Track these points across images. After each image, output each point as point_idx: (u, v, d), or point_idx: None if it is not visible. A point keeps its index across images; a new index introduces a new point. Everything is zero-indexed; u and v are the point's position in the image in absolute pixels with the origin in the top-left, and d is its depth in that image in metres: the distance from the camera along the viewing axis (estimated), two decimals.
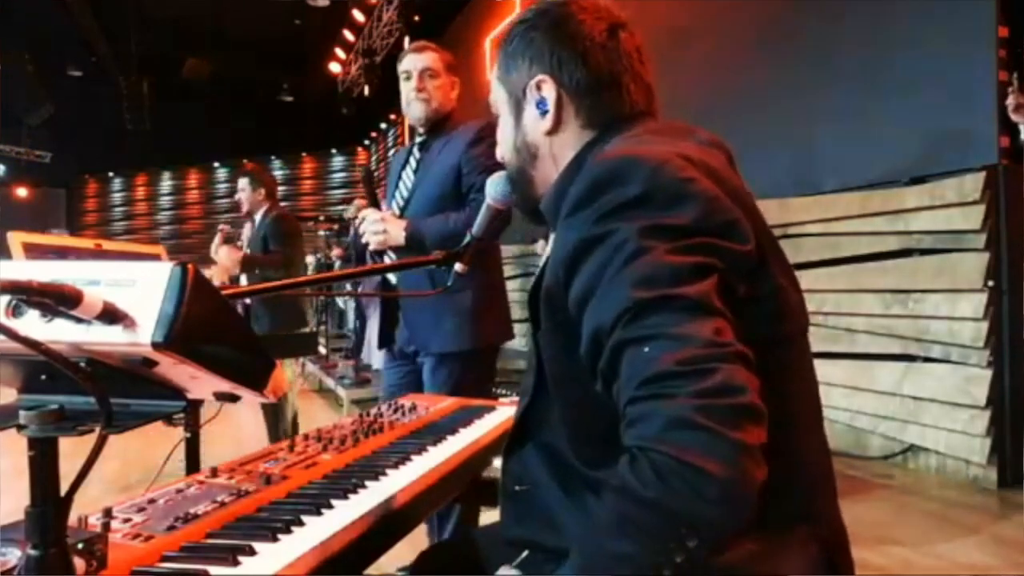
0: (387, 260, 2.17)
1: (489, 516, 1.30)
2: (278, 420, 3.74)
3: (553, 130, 0.94)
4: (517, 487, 0.94)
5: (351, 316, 7.22)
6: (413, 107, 2.20)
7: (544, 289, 0.85)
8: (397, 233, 2.08)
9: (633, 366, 0.66)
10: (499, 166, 2.16)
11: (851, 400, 3.83)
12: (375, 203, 2.21)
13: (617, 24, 0.95)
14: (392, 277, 2.23)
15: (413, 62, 2.20)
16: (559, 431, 0.90)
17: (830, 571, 0.83)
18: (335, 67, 12.23)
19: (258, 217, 3.99)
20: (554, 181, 0.95)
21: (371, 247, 2.13)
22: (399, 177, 2.28)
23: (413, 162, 2.26)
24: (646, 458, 0.61)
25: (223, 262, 3.66)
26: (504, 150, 1.02)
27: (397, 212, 2.21)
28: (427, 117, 2.20)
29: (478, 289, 2.10)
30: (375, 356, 5.46)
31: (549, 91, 0.93)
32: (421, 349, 2.18)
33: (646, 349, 0.65)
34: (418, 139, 2.28)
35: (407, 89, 2.20)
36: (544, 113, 0.94)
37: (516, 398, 1.11)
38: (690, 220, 0.72)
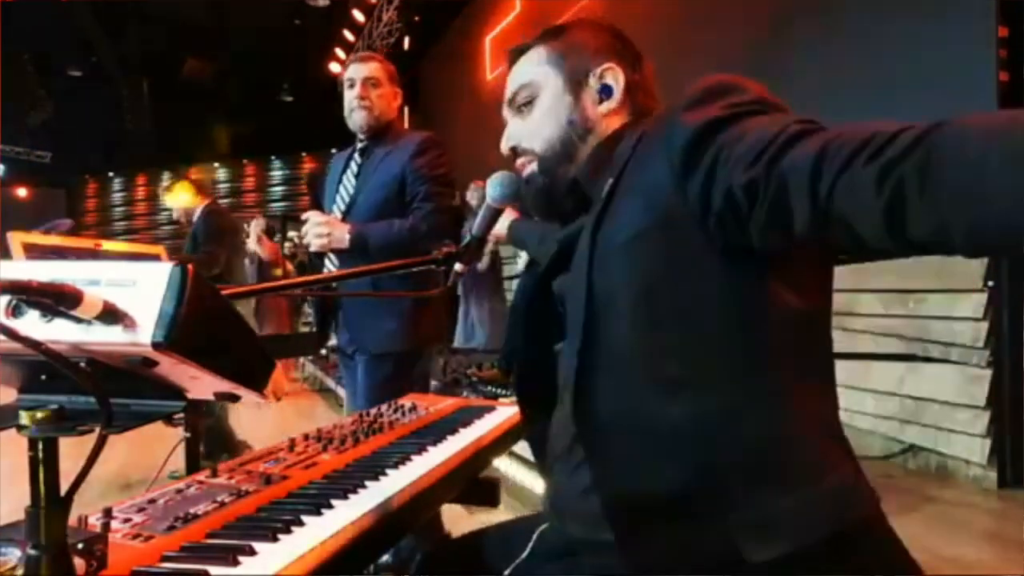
0: (327, 262, 2.25)
1: (489, 516, 1.30)
2: (216, 438, 3.58)
3: (614, 112, 1.02)
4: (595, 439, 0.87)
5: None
6: (355, 115, 2.25)
7: (645, 186, 0.85)
8: (341, 236, 2.13)
9: (835, 136, 0.66)
10: (441, 177, 2.28)
11: (851, 400, 3.83)
12: (319, 207, 2.28)
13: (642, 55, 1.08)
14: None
15: (357, 71, 2.25)
16: (623, 365, 0.85)
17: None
18: (335, 67, 12.23)
19: (195, 217, 3.98)
20: (589, 154, 1.02)
21: (312, 248, 2.18)
22: (339, 182, 2.32)
23: (355, 167, 2.31)
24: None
25: None
26: (545, 130, 1.04)
27: (339, 216, 2.25)
28: (368, 125, 2.25)
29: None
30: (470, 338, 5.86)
31: (617, 78, 1.02)
32: (359, 348, 2.22)
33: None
34: (359, 145, 2.32)
35: (350, 97, 2.26)
36: (608, 97, 1.02)
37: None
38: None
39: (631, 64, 1.04)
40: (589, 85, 1.02)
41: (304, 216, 2.23)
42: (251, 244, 3.99)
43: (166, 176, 16.34)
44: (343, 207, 2.27)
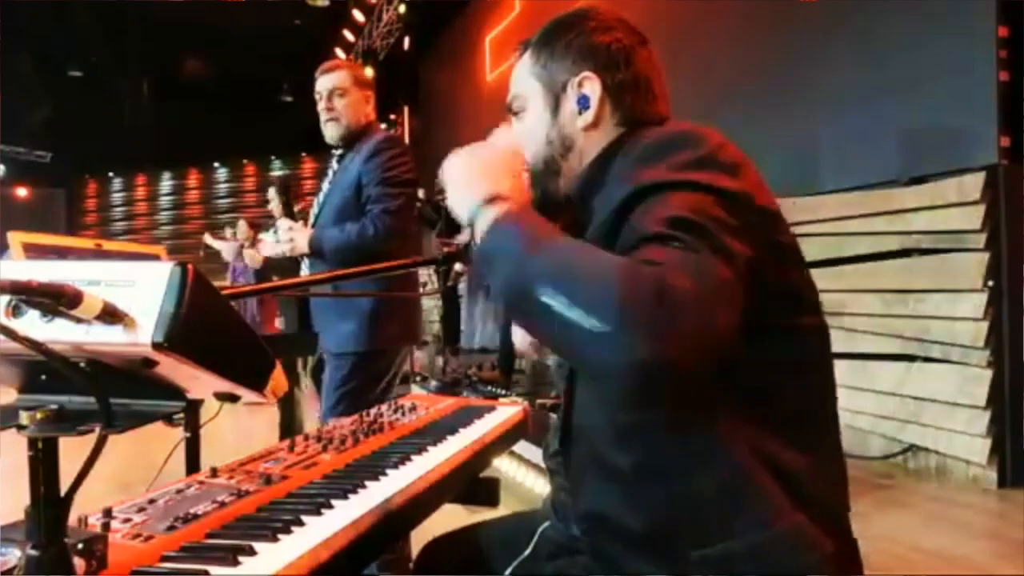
0: (303, 266, 2.36)
1: (489, 516, 1.30)
2: (292, 415, 3.84)
3: (592, 126, 0.98)
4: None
5: None
6: (327, 128, 2.30)
7: (602, 232, 0.86)
8: (302, 242, 2.24)
9: (668, 254, 0.72)
10: (393, 178, 2.35)
11: (851, 400, 3.83)
12: (290, 213, 2.36)
13: (645, 38, 1.02)
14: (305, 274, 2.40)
15: (322, 84, 2.30)
16: (591, 411, 0.93)
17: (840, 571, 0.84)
18: None
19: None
20: (585, 167, 0.99)
21: (285, 254, 2.31)
22: (320, 189, 2.43)
23: (330, 174, 2.39)
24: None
25: (250, 262, 3.94)
26: (531, 145, 1.03)
27: (312, 222, 2.36)
28: (340, 135, 2.30)
29: (377, 293, 2.23)
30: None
31: (593, 88, 0.97)
32: (323, 349, 2.30)
33: (661, 249, 0.72)
34: (337, 152, 2.39)
35: (320, 110, 2.30)
36: (585, 109, 0.98)
37: (516, 398, 1.11)
38: (742, 190, 0.80)
39: (616, 65, 0.98)
40: (567, 97, 0.99)
41: (277, 224, 2.40)
42: (227, 254, 4.24)
43: (166, 175, 16.39)
44: (316, 212, 2.37)
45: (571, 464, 0.97)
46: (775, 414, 0.83)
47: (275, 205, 4.26)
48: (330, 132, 2.30)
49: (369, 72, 2.52)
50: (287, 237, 2.27)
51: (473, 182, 0.88)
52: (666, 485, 0.84)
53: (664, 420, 0.84)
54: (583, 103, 0.98)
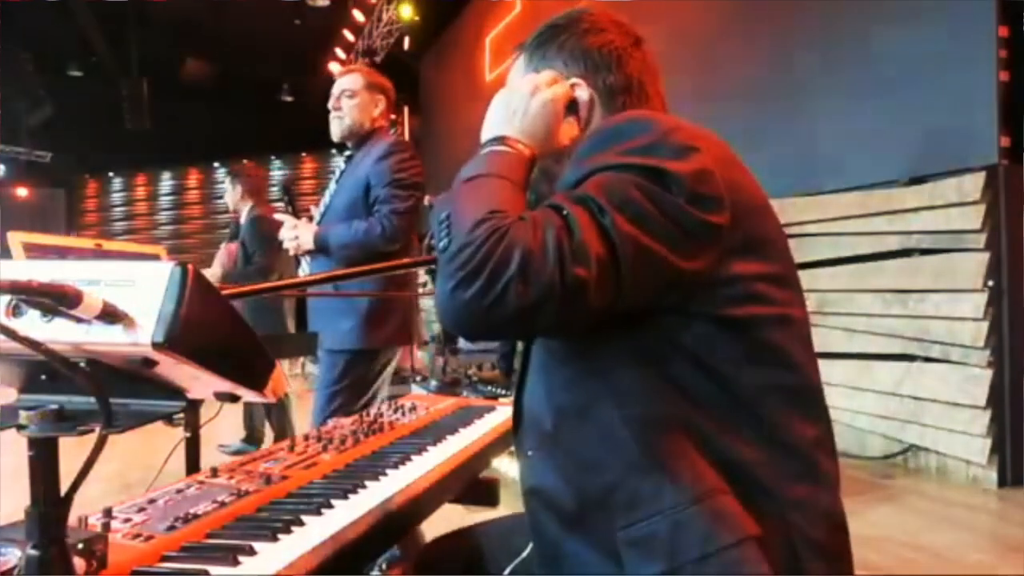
0: (303, 263, 2.39)
1: (489, 516, 1.30)
2: (284, 417, 3.81)
3: (583, 130, 0.98)
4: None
5: None
6: (331, 124, 2.39)
7: None
8: (307, 239, 2.28)
9: (546, 217, 0.77)
10: (402, 180, 2.41)
11: (851, 400, 3.83)
12: (294, 212, 2.39)
13: (640, 38, 1.02)
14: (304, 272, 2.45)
15: (336, 83, 2.40)
16: (539, 392, 0.95)
17: (829, 570, 0.83)
18: (335, 67, 12.21)
19: (243, 217, 4.06)
20: None
21: (290, 252, 2.36)
22: (326, 188, 2.49)
23: (338, 173, 2.46)
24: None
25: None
26: None
27: (317, 219, 2.40)
28: (342, 134, 2.38)
29: (375, 293, 2.27)
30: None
31: (582, 93, 0.97)
32: (321, 346, 2.34)
33: (556, 221, 0.76)
34: (346, 153, 2.46)
35: (330, 107, 2.40)
36: (575, 115, 0.98)
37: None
38: (689, 171, 0.80)
39: (607, 68, 0.97)
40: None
41: (279, 219, 2.39)
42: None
43: (166, 175, 16.39)
44: (322, 210, 2.42)
45: (521, 446, 0.99)
46: (723, 403, 0.83)
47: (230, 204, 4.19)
48: (333, 128, 2.38)
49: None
50: (292, 235, 2.30)
51: (494, 121, 0.95)
52: (598, 462, 0.85)
53: (596, 400, 0.86)
54: (573, 110, 0.97)
